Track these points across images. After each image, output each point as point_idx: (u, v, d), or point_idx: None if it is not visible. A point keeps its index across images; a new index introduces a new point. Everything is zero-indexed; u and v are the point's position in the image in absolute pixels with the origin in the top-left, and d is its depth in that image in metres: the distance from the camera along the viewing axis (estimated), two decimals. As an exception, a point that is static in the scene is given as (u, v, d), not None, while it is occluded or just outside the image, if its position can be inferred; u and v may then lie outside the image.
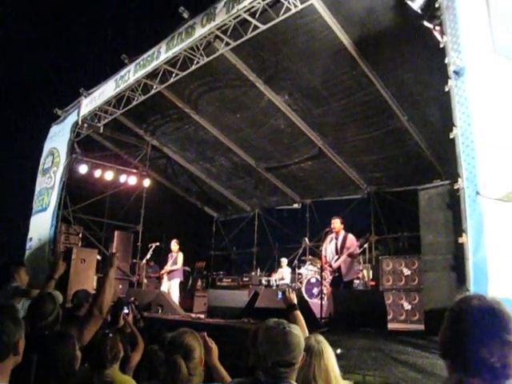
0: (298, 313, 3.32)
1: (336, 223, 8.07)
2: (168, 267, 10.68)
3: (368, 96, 9.19)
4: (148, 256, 10.82)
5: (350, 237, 7.96)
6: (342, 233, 8.02)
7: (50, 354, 2.58)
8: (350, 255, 7.80)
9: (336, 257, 7.91)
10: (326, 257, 8.08)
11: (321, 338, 2.55)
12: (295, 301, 3.49)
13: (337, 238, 8.02)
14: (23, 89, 17.51)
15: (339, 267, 7.85)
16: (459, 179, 4.58)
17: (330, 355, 2.50)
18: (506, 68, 4.47)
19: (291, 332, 2.18)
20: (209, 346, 2.60)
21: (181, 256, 10.67)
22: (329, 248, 8.11)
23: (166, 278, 10.70)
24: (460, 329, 1.47)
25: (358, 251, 8.15)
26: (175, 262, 10.63)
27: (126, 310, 4.56)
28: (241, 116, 11.05)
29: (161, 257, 12.08)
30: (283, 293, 3.59)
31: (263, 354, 2.14)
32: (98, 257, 11.65)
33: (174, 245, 10.79)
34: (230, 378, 2.69)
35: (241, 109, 10.78)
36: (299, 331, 2.23)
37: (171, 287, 10.44)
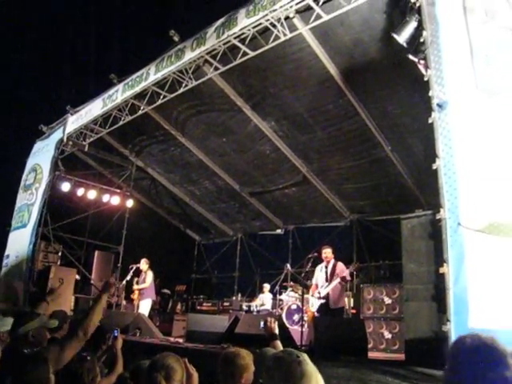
0: (279, 343, 3.31)
1: (328, 253, 8.13)
2: (135, 286, 10.53)
3: (353, 125, 9.33)
4: (128, 277, 10.66)
5: (340, 264, 8.02)
6: (332, 261, 8.07)
7: (21, 376, 2.51)
8: (343, 279, 7.82)
9: (326, 284, 7.91)
10: (316, 285, 8.11)
11: (307, 358, 2.52)
12: (276, 330, 3.47)
13: (327, 267, 8.06)
14: (8, 103, 17.40)
15: (327, 295, 7.85)
16: (441, 209, 4.64)
17: (319, 380, 2.48)
18: (486, 105, 4.59)
19: (306, 361, 2.13)
20: (190, 373, 2.56)
21: (150, 275, 10.51)
22: (319, 277, 8.14)
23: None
24: (458, 370, 1.52)
25: (349, 278, 8.16)
26: (143, 281, 10.48)
27: (115, 333, 4.44)
28: (227, 140, 11.11)
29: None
30: (265, 322, 3.56)
31: None
32: (77, 276, 11.48)
33: (144, 264, 10.67)
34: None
35: (227, 133, 10.85)
36: (308, 359, 2.19)
37: (141, 308, 10.27)
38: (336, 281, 7.79)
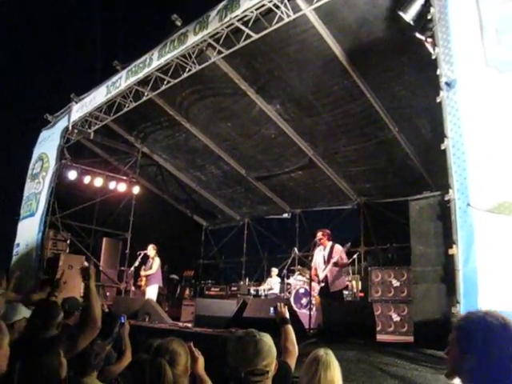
0: (290, 327, 3.30)
1: (319, 236, 8.06)
2: (143, 273, 10.55)
3: (359, 107, 9.21)
4: (136, 263, 10.68)
5: (337, 247, 7.94)
6: (329, 244, 8.00)
7: (33, 362, 2.53)
8: (335, 264, 7.78)
9: (323, 267, 7.88)
10: (316, 269, 8.04)
11: (329, 351, 2.57)
12: (287, 315, 3.46)
13: (324, 250, 8.00)
14: (13, 93, 17.38)
15: (326, 278, 7.81)
16: (450, 190, 4.57)
17: (336, 368, 2.54)
18: (497, 81, 4.48)
19: (262, 340, 2.19)
20: (195, 356, 2.55)
21: (157, 261, 10.50)
22: (317, 259, 8.08)
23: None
24: (468, 347, 1.50)
25: (345, 261, 8.06)
26: (150, 267, 10.50)
27: (122, 320, 4.44)
28: (232, 125, 11.03)
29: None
30: (275, 307, 3.56)
31: (235, 365, 2.13)
32: (86, 263, 11.52)
33: (151, 250, 10.66)
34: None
35: (232, 117, 10.76)
36: (270, 339, 2.24)
37: (148, 293, 10.30)
38: (329, 265, 7.77)
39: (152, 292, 10.30)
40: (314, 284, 8.09)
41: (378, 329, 8.05)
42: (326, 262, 7.83)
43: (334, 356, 2.55)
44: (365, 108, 9.16)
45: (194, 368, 2.54)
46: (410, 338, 6.51)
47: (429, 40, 5.28)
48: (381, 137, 9.80)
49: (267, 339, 2.21)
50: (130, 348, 4.21)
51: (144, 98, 9.77)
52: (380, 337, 7.02)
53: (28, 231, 11.89)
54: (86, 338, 3.00)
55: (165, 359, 2.28)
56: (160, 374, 2.24)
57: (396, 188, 10.97)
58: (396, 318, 8.91)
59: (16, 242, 12.36)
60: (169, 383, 2.25)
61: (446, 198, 4.63)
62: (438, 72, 4.91)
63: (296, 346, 3.11)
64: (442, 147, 4.70)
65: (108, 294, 12.10)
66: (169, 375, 2.25)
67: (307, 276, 10.03)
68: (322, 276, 7.81)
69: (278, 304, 3.59)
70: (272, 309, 3.57)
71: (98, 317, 3.05)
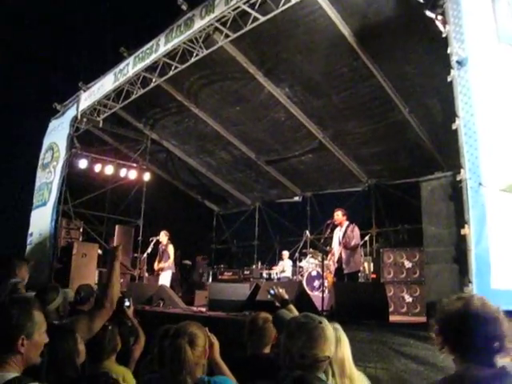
0: (292, 306, 3.35)
1: (337, 215, 8.09)
2: (161, 264, 10.59)
3: (369, 88, 9.13)
4: (149, 250, 10.79)
5: (350, 227, 7.96)
6: (346, 224, 8.03)
7: (52, 347, 2.57)
8: (345, 246, 7.81)
9: (339, 248, 7.93)
10: (333, 251, 8.13)
11: (338, 326, 2.56)
12: (286, 296, 3.51)
13: (340, 230, 8.05)
14: (21, 83, 17.43)
15: (340, 259, 7.86)
16: (462, 170, 4.55)
17: (346, 344, 2.53)
18: (510, 57, 4.42)
19: (327, 326, 2.19)
20: (211, 341, 2.59)
21: (171, 248, 10.53)
22: (334, 243, 8.14)
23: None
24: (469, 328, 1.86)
25: (355, 242, 8.01)
26: (168, 256, 10.52)
27: (127, 303, 4.54)
28: (241, 109, 11.00)
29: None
30: (272, 291, 3.60)
31: (299, 352, 2.12)
32: (99, 251, 11.66)
33: (163, 236, 10.67)
34: (230, 369, 2.68)
35: (241, 102, 10.73)
36: (329, 324, 2.25)
37: (161, 280, 10.40)
38: (340, 246, 7.80)
39: (165, 278, 10.41)
40: (331, 266, 8.17)
41: (391, 310, 8.09)
42: (341, 243, 7.89)
43: (343, 331, 2.56)
44: (374, 89, 9.07)
45: (209, 354, 2.58)
46: (423, 319, 6.55)
47: (439, 18, 5.20)
48: (391, 118, 9.72)
49: (328, 325, 2.24)
50: (140, 330, 4.30)
51: (152, 85, 9.77)
52: (392, 318, 7.06)
53: (41, 220, 12.03)
54: (102, 317, 3.05)
55: (184, 340, 2.33)
56: (180, 354, 2.28)
57: (407, 169, 10.91)
58: (408, 298, 8.93)
59: (29, 231, 12.51)
60: (189, 363, 2.29)
61: (458, 178, 4.62)
62: (448, 50, 4.85)
63: None
64: (454, 127, 4.66)
65: (122, 280, 12.23)
66: (189, 355, 2.29)
67: (319, 259, 10.09)
68: (336, 257, 7.88)
69: (273, 286, 3.66)
70: (271, 291, 3.60)
71: (115, 298, 3.10)
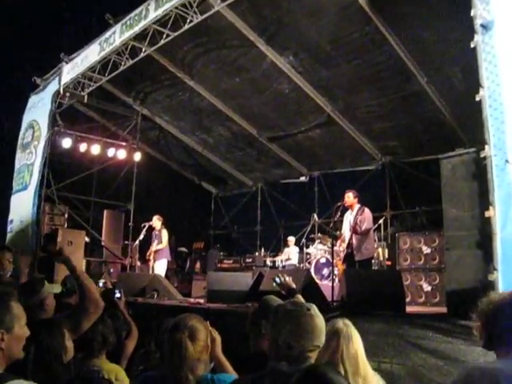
0: (299, 296, 3.39)
1: (348, 197, 8.09)
2: (153, 248, 10.70)
3: (383, 56, 9.06)
4: (141, 237, 10.84)
5: (364, 210, 7.97)
6: (357, 207, 8.03)
7: (39, 343, 2.60)
8: (356, 232, 7.82)
9: (349, 234, 7.95)
10: (344, 237, 8.15)
11: (348, 322, 2.60)
12: (293, 285, 3.54)
13: (351, 214, 8.06)
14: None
15: (351, 245, 7.89)
16: (486, 146, 4.53)
17: (358, 340, 2.58)
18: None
19: (316, 313, 2.21)
20: (212, 337, 2.61)
21: (165, 233, 10.67)
22: (345, 228, 8.16)
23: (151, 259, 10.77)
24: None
25: (366, 227, 8.00)
26: (160, 241, 10.63)
27: (117, 294, 4.59)
28: (240, 80, 10.94)
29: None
30: (277, 280, 3.62)
31: (286, 342, 2.15)
32: (86, 239, 11.71)
33: (156, 221, 10.79)
34: (233, 366, 2.71)
35: (240, 72, 10.67)
36: (318, 311, 2.27)
37: (156, 269, 10.48)
38: (350, 232, 7.82)
39: (161, 267, 10.50)
40: (339, 252, 8.21)
41: (408, 300, 8.16)
42: (352, 228, 7.90)
43: (353, 327, 2.60)
44: (389, 57, 9.00)
45: (211, 350, 2.60)
46: (443, 309, 6.60)
47: (460, -24, 5.15)
48: (408, 89, 9.67)
49: (318, 312, 2.26)
50: (133, 323, 4.36)
51: (141, 55, 9.70)
52: (410, 308, 7.11)
53: (22, 206, 12.04)
54: (89, 320, 3.08)
55: (184, 334, 2.35)
56: (181, 349, 2.31)
57: (425, 145, 10.90)
58: (427, 287, 9.00)
59: (9, 218, 12.52)
60: (190, 358, 2.31)
61: (482, 155, 4.60)
62: (472, 13, 4.80)
63: None
64: (477, 98, 4.64)
65: (112, 270, 12.35)
66: (190, 350, 2.32)
67: (328, 244, 10.12)
68: (346, 242, 7.91)
69: (279, 274, 3.67)
70: (277, 279, 3.63)
71: (96, 297, 3.12)
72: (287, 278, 3.57)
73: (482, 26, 4.65)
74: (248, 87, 11.14)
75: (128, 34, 9.42)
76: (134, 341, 4.21)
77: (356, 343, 2.54)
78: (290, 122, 12.04)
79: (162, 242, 10.60)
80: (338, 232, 8.41)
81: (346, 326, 2.59)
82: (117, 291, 4.64)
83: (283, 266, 11.65)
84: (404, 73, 9.29)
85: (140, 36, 9.41)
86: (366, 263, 7.95)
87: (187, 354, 2.31)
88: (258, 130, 12.73)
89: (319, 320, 2.21)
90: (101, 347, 3.37)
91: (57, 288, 3.53)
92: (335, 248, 8.16)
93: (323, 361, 2.47)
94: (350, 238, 7.95)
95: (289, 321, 2.19)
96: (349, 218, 8.13)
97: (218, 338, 2.69)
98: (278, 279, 3.62)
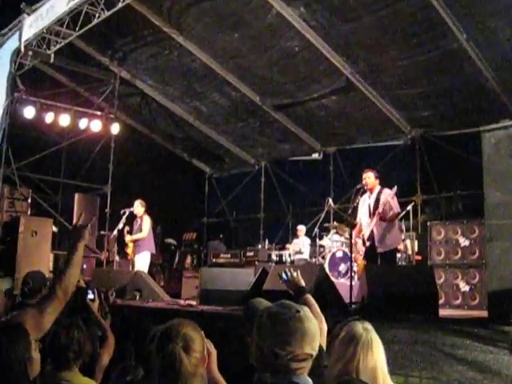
0: (310, 297, 3.40)
1: (368, 178, 8.08)
2: (128, 238, 10.69)
3: (413, 7, 9.01)
4: (120, 225, 10.87)
5: (386, 193, 7.96)
6: (377, 189, 8.03)
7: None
8: (382, 218, 7.82)
9: (369, 221, 7.94)
10: (361, 225, 8.12)
11: (369, 325, 2.60)
12: (302, 282, 3.55)
13: (369, 198, 8.05)
14: None
15: (372, 234, 7.89)
16: (537, 117, 4.53)
17: (379, 348, 2.56)
18: None
19: (307, 316, 2.21)
20: (208, 350, 2.62)
21: (147, 221, 10.64)
22: (362, 213, 8.15)
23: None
24: None
25: (396, 211, 8.07)
26: (139, 230, 10.65)
27: (90, 295, 4.62)
28: (240, 36, 10.89)
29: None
30: (284, 276, 3.63)
31: (271, 350, 2.14)
32: (54, 228, 11.75)
33: (138, 207, 10.77)
34: (231, 380, 2.73)
35: (240, 26, 10.62)
36: (310, 313, 2.27)
37: (138, 264, 10.50)
38: (376, 217, 7.81)
39: (143, 262, 10.53)
40: (359, 245, 8.21)
41: (441, 301, 8.20)
42: (372, 214, 7.89)
43: (375, 333, 2.61)
44: (421, 7, 8.95)
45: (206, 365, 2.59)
46: (483, 313, 6.64)
47: None
48: (443, 47, 9.61)
49: (310, 314, 2.26)
50: (109, 330, 4.39)
51: (120, 5, 9.61)
52: (444, 311, 7.16)
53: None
54: (53, 310, 3.02)
55: (178, 346, 2.33)
56: (174, 363, 2.29)
57: (464, 116, 10.88)
58: (464, 287, 9.03)
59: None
60: (186, 374, 2.29)
61: (532, 128, 4.61)
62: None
63: (323, 320, 3.18)
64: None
65: (85, 266, 12.36)
66: (185, 364, 2.28)
67: (346, 235, 10.15)
68: (367, 233, 7.90)
69: (286, 269, 3.68)
70: (284, 275, 3.64)
71: (70, 286, 3.08)
72: (295, 274, 3.58)
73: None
74: (249, 45, 11.10)
75: (103, -22, 9.37)
76: (110, 351, 4.23)
77: (376, 352, 2.54)
78: (301, 87, 12.00)
79: (141, 230, 10.58)
80: (357, 220, 8.43)
81: (366, 330, 2.59)
82: (90, 291, 4.66)
83: (292, 261, 11.68)
84: (439, 27, 9.23)
85: (118, -18, 9.37)
86: (389, 255, 7.97)
87: (182, 369, 2.28)
88: (261, 97, 12.70)
89: (311, 324, 2.20)
90: (76, 357, 3.33)
91: (6, 284, 3.52)
92: (353, 240, 8.19)
93: (335, 372, 2.48)
94: (370, 227, 7.96)
95: (274, 325, 2.18)
96: (367, 202, 8.11)
97: (214, 353, 2.69)
98: (284, 275, 3.64)
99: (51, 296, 3.05)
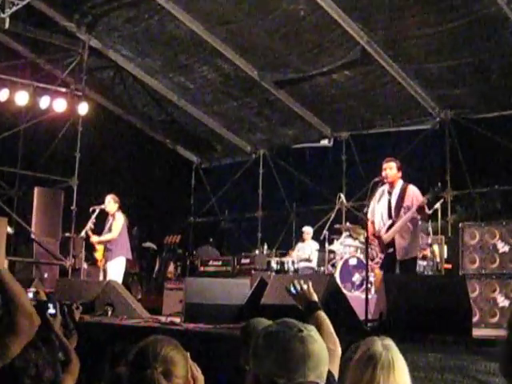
0: (323, 314, 3.37)
1: (389, 169, 8.03)
2: (96, 238, 10.63)
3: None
4: (89, 226, 10.84)
5: (412, 190, 7.93)
6: (399, 184, 8.00)
7: None
8: (413, 218, 7.81)
9: (389, 222, 7.90)
10: (373, 223, 8.07)
11: (390, 342, 2.56)
12: (314, 296, 3.53)
13: (390, 193, 8.00)
14: None
15: (393, 239, 7.87)
16: None
17: (403, 369, 2.51)
18: None
19: (311, 336, 2.19)
20: (193, 374, 2.61)
21: (119, 220, 10.50)
22: (378, 209, 8.10)
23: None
24: None
25: (427, 212, 8.08)
26: (109, 230, 10.58)
27: (51, 310, 4.61)
28: (234, -3, 10.93)
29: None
30: (293, 289, 3.62)
31: (268, 377, 2.11)
32: (9, 229, 11.72)
33: (110, 203, 10.67)
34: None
35: (234, -15, 10.64)
36: (318, 334, 2.25)
37: (110, 272, 10.46)
38: (406, 217, 7.78)
39: (116, 270, 10.49)
40: (373, 250, 8.18)
41: (475, 319, 8.20)
42: (395, 214, 7.87)
43: (397, 351, 2.58)
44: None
45: None
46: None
47: None
48: (478, 11, 9.62)
49: (316, 335, 2.23)
50: (72, 351, 4.38)
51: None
52: (478, 331, 7.16)
53: None
54: (20, 342, 3.06)
55: (157, 370, 2.30)
56: None
57: (504, 95, 10.89)
58: (503, 301, 9.04)
59: None
60: None
61: None
62: None
63: (337, 343, 3.17)
64: None
65: (46, 275, 12.36)
66: None
67: (361, 238, 10.14)
68: (387, 237, 7.86)
69: (295, 281, 3.66)
70: (292, 287, 3.62)
71: (29, 309, 3.09)
72: (305, 286, 3.56)
73: None
74: (245, 7, 11.10)
75: None
76: (74, 377, 4.22)
77: (400, 374, 2.49)
78: (307, 60, 12.00)
79: (111, 230, 10.51)
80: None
81: (387, 349, 2.56)
82: (50, 305, 4.65)
83: (296, 270, 11.69)
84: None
85: None
86: (410, 264, 7.96)
87: None
88: (259, 71, 12.68)
89: (316, 346, 2.17)
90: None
91: None
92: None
93: None
94: (394, 231, 7.93)
95: (271, 348, 2.15)
96: (386, 198, 8.07)
97: (201, 379, 2.68)
98: (293, 288, 3.62)
99: (14, 330, 3.05)
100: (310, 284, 3.58)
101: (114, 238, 10.47)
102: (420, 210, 7.70)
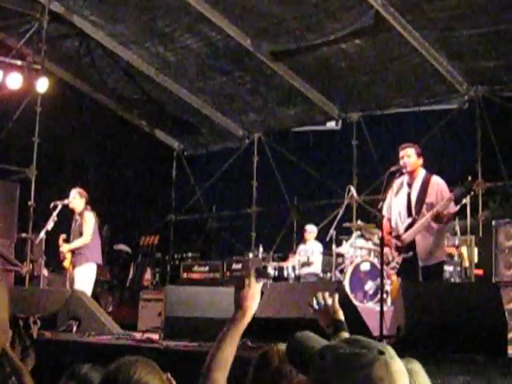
0: (347, 336, 3.33)
1: (407, 156, 8.00)
2: (66, 247, 10.61)
3: None
4: (50, 225, 10.82)
5: (436, 182, 7.92)
6: (421, 175, 7.97)
7: None
8: (437, 217, 7.78)
9: (408, 220, 7.89)
10: (389, 221, 8.06)
11: (416, 363, 2.54)
12: (341, 314, 3.48)
13: (410, 185, 7.98)
14: None
15: (413, 241, 7.86)
16: None
17: None
18: None
19: (394, 359, 2.13)
20: None
21: (89, 219, 10.50)
22: (396, 204, 8.08)
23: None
24: None
25: (454, 209, 8.04)
26: (79, 233, 10.55)
27: None
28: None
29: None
30: (315, 304, 3.57)
31: None
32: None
33: (76, 198, 10.65)
34: None
35: None
36: (395, 355, 2.21)
37: (77, 281, 10.45)
38: (428, 215, 7.76)
39: (84, 277, 10.48)
40: (387, 253, 8.17)
41: (511, 335, 8.22)
42: (416, 211, 7.85)
43: (424, 374, 2.57)
44: None
45: None
46: None
47: None
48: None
49: (397, 357, 2.19)
50: (27, 373, 4.37)
51: None
52: (514, 349, 7.17)
53: None
54: None
55: None
56: None
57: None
58: (545, 314, 9.06)
59: None
60: None
61: None
62: None
63: None
64: None
65: (-1, 282, 12.38)
66: None
67: (375, 239, 10.15)
68: (407, 237, 7.85)
69: (319, 295, 3.62)
70: (315, 302, 3.56)
71: (3, 320, 3.13)
72: (330, 301, 3.51)
73: None
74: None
75: None
76: None
77: None
78: (310, 26, 12.00)
79: (81, 233, 10.51)
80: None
81: (411, 373, 2.55)
82: None
83: (297, 277, 11.71)
84: None
85: None
86: (436, 270, 7.94)
87: None
88: (253, 40, 12.67)
89: (401, 371, 2.13)
90: None
91: None
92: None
93: None
94: (415, 232, 7.91)
95: (345, 374, 2.11)
96: (405, 191, 8.04)
97: None
98: (316, 303, 3.56)
99: None
100: (336, 298, 3.53)
101: (84, 244, 10.45)
102: (437, 217, 7.62)
